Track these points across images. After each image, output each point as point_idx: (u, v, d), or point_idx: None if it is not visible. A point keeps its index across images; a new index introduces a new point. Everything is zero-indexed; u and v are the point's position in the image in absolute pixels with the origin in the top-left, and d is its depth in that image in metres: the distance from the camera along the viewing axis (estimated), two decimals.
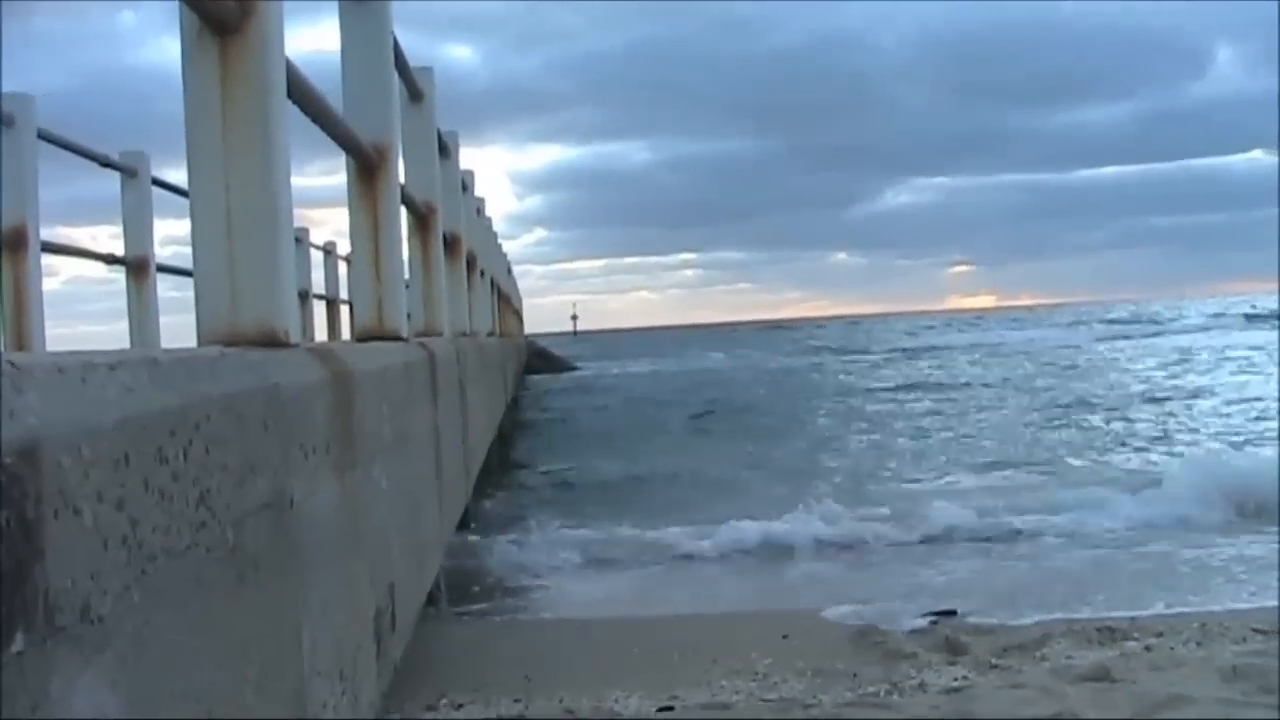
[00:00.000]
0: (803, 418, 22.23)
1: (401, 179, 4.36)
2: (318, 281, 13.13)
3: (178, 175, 6.98)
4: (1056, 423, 19.55)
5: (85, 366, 1.21)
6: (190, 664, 1.42)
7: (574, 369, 43.32)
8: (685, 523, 11.14)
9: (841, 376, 35.48)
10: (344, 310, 13.43)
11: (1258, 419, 18.06)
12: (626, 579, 9.71)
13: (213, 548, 1.51)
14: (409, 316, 4.74)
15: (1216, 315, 71.59)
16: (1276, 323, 47.86)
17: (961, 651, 6.58)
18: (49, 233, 5.87)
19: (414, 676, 5.63)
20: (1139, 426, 18.54)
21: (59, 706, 1.06)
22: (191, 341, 2.37)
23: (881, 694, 5.85)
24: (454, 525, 5.73)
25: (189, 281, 2.72)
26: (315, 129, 3.09)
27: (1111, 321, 72.31)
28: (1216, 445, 15.79)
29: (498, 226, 17.42)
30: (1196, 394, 23.23)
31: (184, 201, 2.36)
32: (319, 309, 13.07)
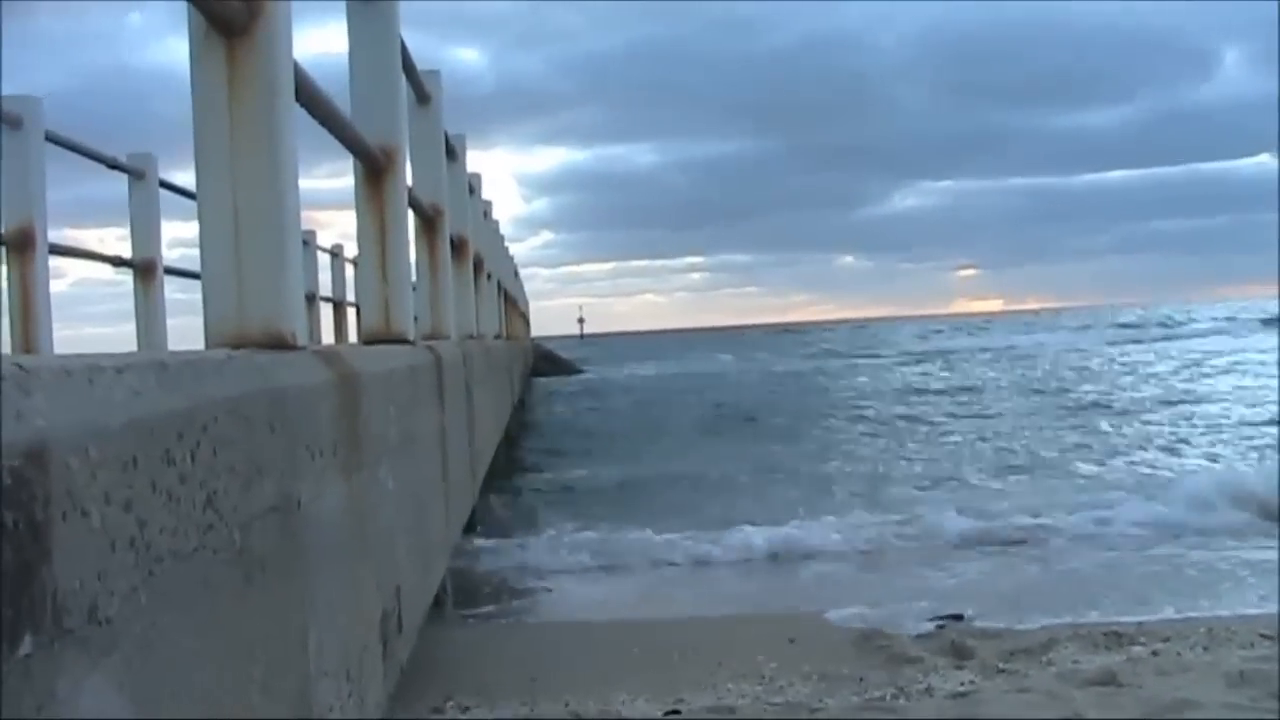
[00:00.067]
0: (813, 421, 22.17)
1: (409, 181, 4.36)
2: (324, 284, 13.15)
3: (184, 177, 6.99)
4: (1070, 426, 19.48)
5: (93, 369, 1.22)
6: (197, 666, 1.42)
7: (580, 372, 43.29)
8: (692, 526, 11.13)
9: (853, 380, 35.36)
10: (351, 313, 13.43)
11: (1275, 424, 17.94)
12: (632, 582, 9.71)
13: (220, 549, 1.51)
14: (416, 319, 4.74)
15: (1228, 319, 71.30)
16: None
17: (968, 656, 6.57)
18: (56, 234, 5.88)
19: (420, 678, 5.63)
20: (1155, 430, 18.48)
21: (65, 708, 1.06)
22: (199, 344, 2.37)
23: (887, 698, 5.84)
24: (460, 527, 5.73)
25: (196, 284, 2.72)
26: (323, 131, 3.10)
27: (1123, 325, 71.93)
28: (1232, 451, 15.75)
29: (505, 229, 17.44)
30: (1214, 399, 23.12)
31: (191, 204, 2.36)
32: (326, 311, 13.09)
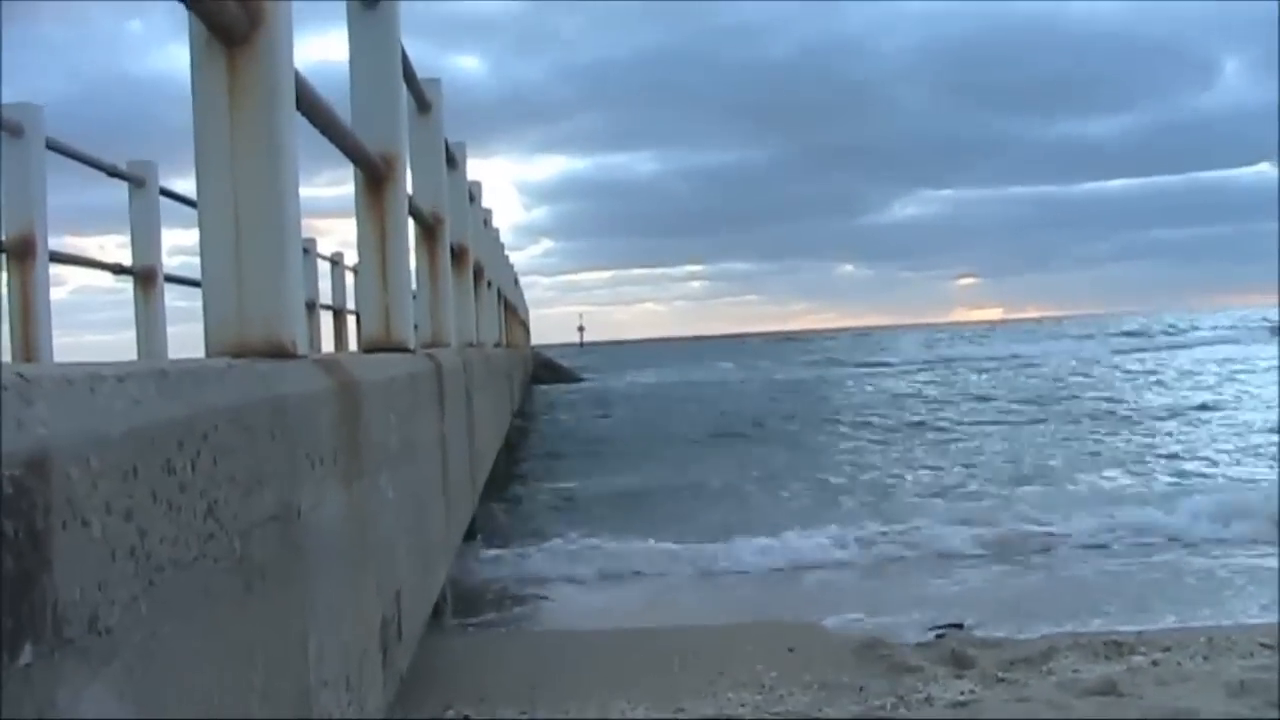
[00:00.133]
0: (816, 429, 22.12)
1: (409, 189, 4.37)
2: (325, 292, 13.15)
3: (185, 185, 7.00)
4: (1076, 434, 19.43)
5: (93, 378, 1.22)
6: (197, 674, 1.42)
7: (581, 380, 43.28)
8: (692, 535, 11.12)
9: (856, 388, 35.27)
10: (351, 320, 13.43)
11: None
12: (632, 590, 9.70)
13: (220, 558, 1.51)
14: (416, 327, 4.74)
15: (1231, 327, 71.16)
16: None
17: (968, 665, 6.56)
18: (56, 242, 5.89)
19: (420, 686, 5.62)
20: (1162, 439, 18.43)
21: (66, 717, 1.06)
22: (199, 351, 2.37)
23: (888, 707, 5.83)
24: (460, 535, 5.73)
25: (196, 291, 2.72)
26: (323, 139, 3.10)
27: (1127, 333, 71.71)
28: (1241, 459, 15.72)
29: (505, 237, 17.46)
30: (1223, 406, 23.06)
31: (192, 211, 2.36)
32: (326, 319, 13.10)
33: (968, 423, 22.41)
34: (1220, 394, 26.12)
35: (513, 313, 18.51)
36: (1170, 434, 19.21)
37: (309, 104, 2.67)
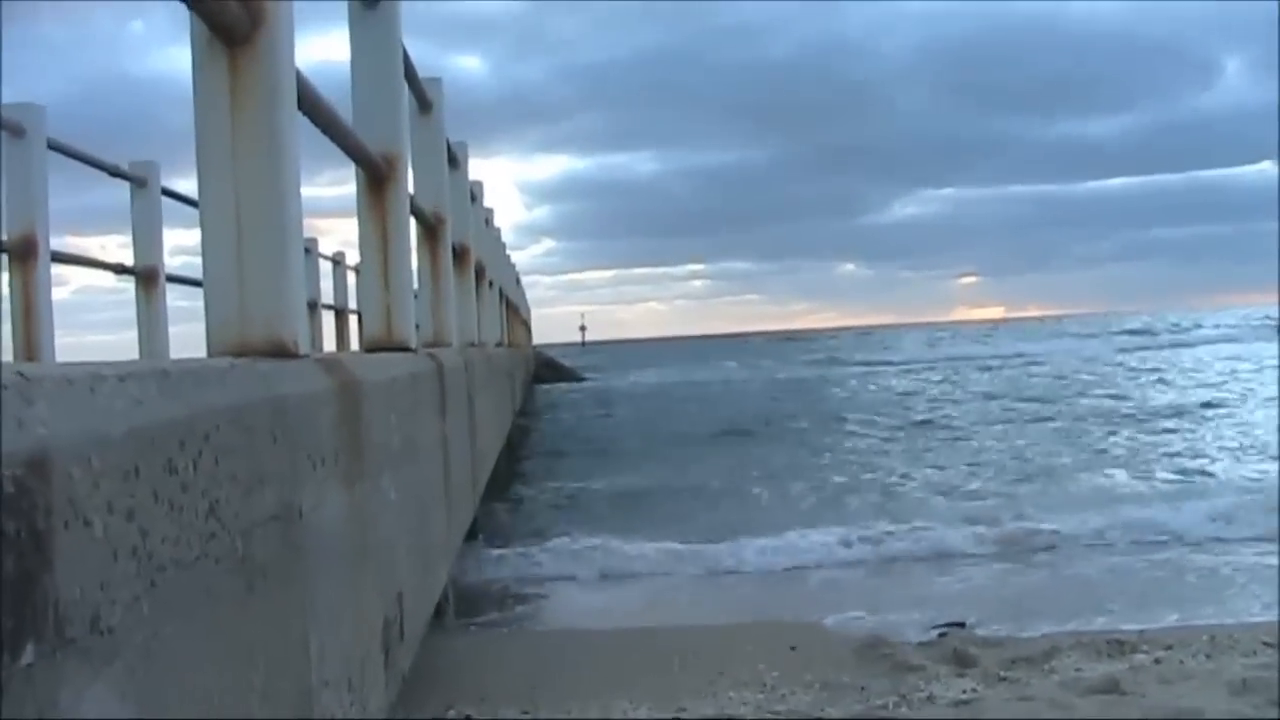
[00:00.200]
0: (819, 429, 22.07)
1: (411, 189, 4.37)
2: (326, 291, 13.16)
3: (186, 185, 7.00)
4: (1083, 433, 19.40)
5: (94, 377, 1.21)
6: (199, 675, 1.42)
7: (583, 379, 43.24)
8: (694, 535, 11.12)
9: (859, 387, 35.19)
10: (353, 320, 13.43)
11: None
12: (634, 590, 9.70)
13: (222, 558, 1.51)
14: (417, 327, 4.74)
15: (1233, 326, 71.02)
16: None
17: (970, 664, 6.56)
18: (58, 242, 5.89)
19: (421, 686, 5.62)
20: (1168, 437, 18.39)
21: (68, 718, 1.06)
22: (201, 351, 2.37)
23: (890, 706, 5.83)
24: (462, 535, 5.73)
25: (198, 291, 2.72)
26: (325, 139, 3.10)
27: (1131, 332, 71.52)
28: (1246, 457, 15.70)
29: (506, 237, 17.46)
30: (1228, 404, 23.00)
31: (193, 211, 2.36)
32: (328, 319, 13.09)
33: (972, 422, 22.37)
34: (1224, 392, 26.05)
35: (514, 312, 18.51)
36: (1175, 432, 19.18)
37: (310, 104, 2.67)
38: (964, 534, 10.85)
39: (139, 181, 6.76)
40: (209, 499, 1.47)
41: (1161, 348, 53.06)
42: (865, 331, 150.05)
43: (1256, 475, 14.03)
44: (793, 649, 7.05)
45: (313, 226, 15.67)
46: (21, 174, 5.48)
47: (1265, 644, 6.57)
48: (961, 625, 7.56)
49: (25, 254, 5.47)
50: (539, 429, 23.78)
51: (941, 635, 7.33)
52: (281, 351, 2.23)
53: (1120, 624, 7.52)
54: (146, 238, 6.88)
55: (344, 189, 4.19)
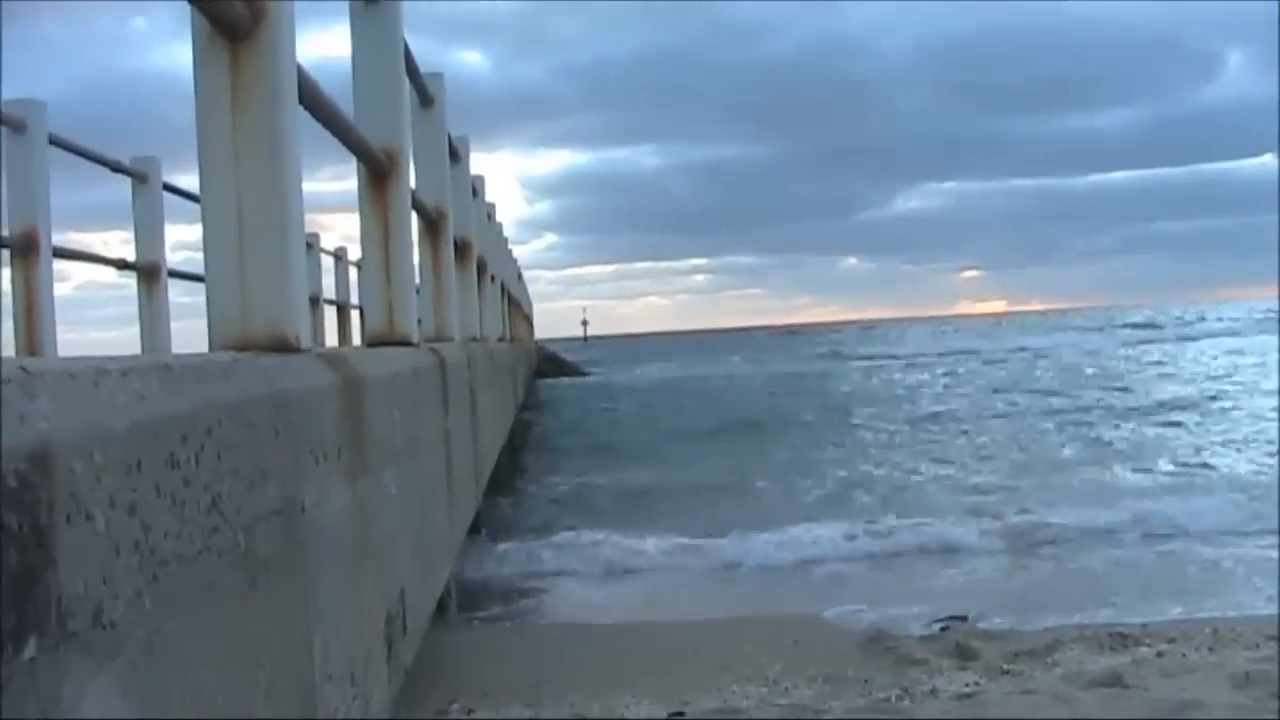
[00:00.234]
0: (823, 424, 21.99)
1: (412, 184, 4.37)
2: (328, 287, 13.16)
3: (188, 180, 7.00)
4: (1088, 426, 19.35)
5: (97, 372, 1.22)
6: (201, 669, 1.42)
7: (585, 374, 43.20)
8: (697, 530, 11.11)
9: (864, 382, 35.11)
10: (355, 315, 13.43)
11: None
12: (637, 585, 9.70)
13: (224, 553, 1.51)
14: (419, 322, 4.74)
15: (1236, 319, 70.89)
16: None
17: (973, 657, 6.56)
18: (60, 238, 5.89)
19: (424, 681, 5.62)
20: (1174, 430, 18.35)
21: (70, 712, 1.06)
22: (203, 347, 2.37)
23: (892, 700, 5.83)
24: (465, 530, 5.73)
25: (200, 287, 2.72)
26: (326, 134, 3.10)
27: (1136, 325, 71.35)
28: (1255, 451, 15.68)
29: (508, 232, 17.45)
30: (1233, 396, 22.94)
31: (195, 207, 2.36)
32: (330, 314, 13.09)
33: (976, 415, 22.34)
34: (1228, 385, 26.02)
35: (516, 307, 18.51)
36: (1180, 425, 19.16)
37: (312, 99, 2.67)
38: (968, 528, 10.85)
39: (140, 177, 6.76)
40: (211, 493, 1.47)
41: (1166, 341, 52.96)
42: (868, 326, 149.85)
43: (1260, 468, 14.03)
44: (795, 643, 7.06)
45: (314, 222, 15.69)
46: (23, 169, 5.48)
47: (1267, 637, 6.57)
48: (964, 619, 7.56)
49: (27, 249, 5.47)
50: (542, 424, 23.77)
51: (944, 629, 7.34)
52: (283, 346, 2.23)
53: (1123, 617, 7.52)
54: (148, 233, 6.88)
55: (346, 184, 4.19)
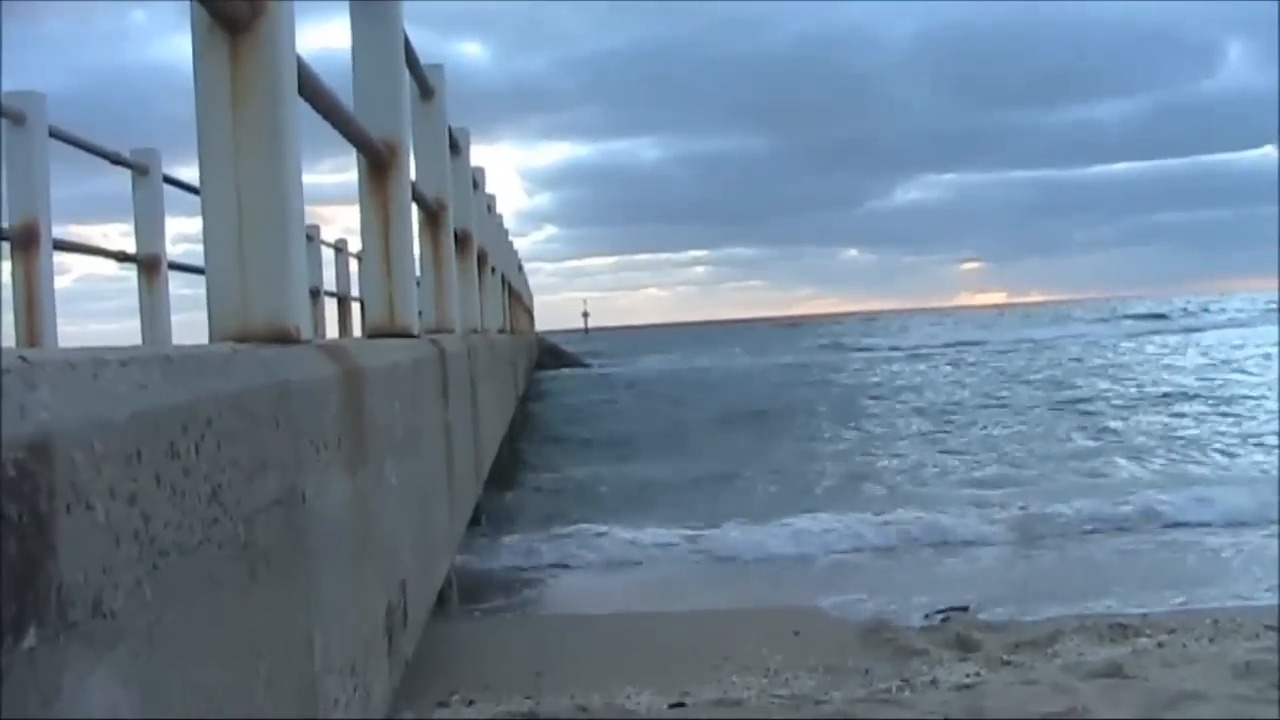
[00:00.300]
0: (831, 417, 21.94)
1: (412, 176, 4.37)
2: (329, 279, 13.16)
3: (188, 173, 6.99)
4: (1091, 418, 19.32)
5: (97, 362, 1.22)
6: (201, 660, 1.43)
7: (586, 366, 43.13)
8: (699, 521, 11.12)
9: (871, 372, 34.98)
10: (355, 307, 13.44)
11: None
12: (637, 576, 9.71)
13: (224, 544, 1.52)
14: (420, 313, 4.74)
15: (1239, 310, 70.76)
16: None
17: (973, 648, 6.57)
18: (60, 230, 5.88)
19: (425, 673, 5.63)
20: (1181, 422, 18.32)
21: (70, 701, 1.06)
22: (203, 339, 2.37)
23: (893, 690, 5.84)
24: (465, 522, 5.74)
25: (200, 279, 2.73)
26: (326, 126, 3.10)
27: (1140, 316, 71.15)
28: (1258, 443, 15.67)
29: (508, 224, 17.44)
30: (1239, 387, 22.90)
31: (195, 199, 2.36)
32: (330, 306, 13.10)
33: (980, 406, 22.30)
34: (1236, 376, 25.96)
35: (517, 299, 18.51)
36: (1186, 415, 19.14)
37: (312, 91, 2.67)
38: (971, 519, 10.86)
39: (140, 169, 6.76)
40: (211, 484, 1.47)
41: (1172, 332, 52.84)
42: (869, 317, 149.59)
43: (1266, 459, 14.04)
44: (796, 634, 7.07)
45: (315, 214, 15.67)
46: (23, 162, 5.48)
47: (1268, 627, 6.58)
48: (964, 609, 7.57)
49: (27, 242, 5.47)
50: (543, 416, 23.77)
51: (944, 619, 7.35)
52: (284, 338, 2.23)
53: (1123, 608, 7.53)
54: (148, 225, 6.87)
55: (346, 176, 4.19)
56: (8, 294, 5.42)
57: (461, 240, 6.61)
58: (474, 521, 7.37)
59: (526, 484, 14.73)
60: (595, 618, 8.25)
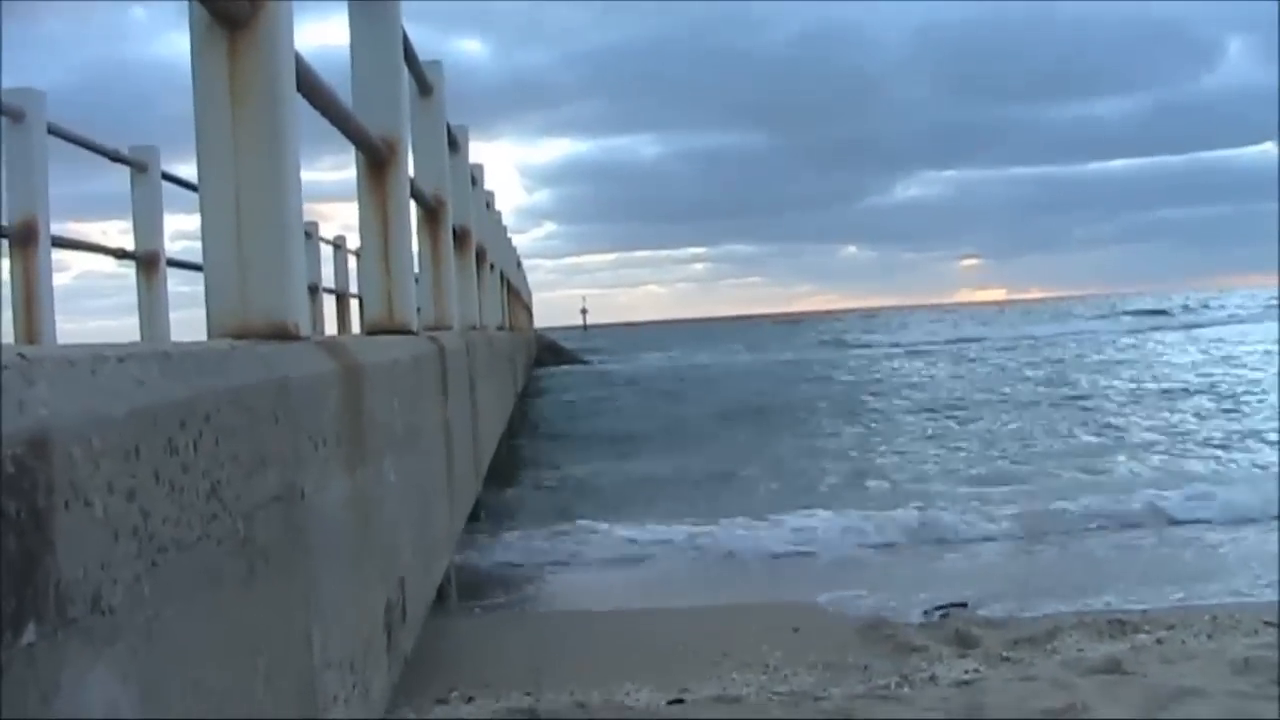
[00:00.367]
0: (833, 413, 21.87)
1: (411, 173, 4.36)
2: (327, 276, 13.16)
3: (187, 170, 6.99)
4: (1093, 414, 19.31)
5: (95, 359, 1.22)
6: (201, 656, 1.43)
7: (586, 363, 43.07)
8: (699, 518, 11.13)
9: (874, 369, 34.91)
10: (354, 304, 13.44)
11: None
12: (637, 573, 9.71)
13: (223, 540, 1.52)
14: (419, 310, 4.74)
15: (1240, 306, 70.69)
16: None
17: (972, 644, 6.58)
18: (59, 227, 5.88)
19: (424, 669, 5.63)
20: (1184, 419, 18.30)
21: (69, 697, 1.06)
22: (202, 336, 2.37)
23: (892, 686, 5.84)
24: (464, 519, 5.74)
25: (199, 276, 2.73)
26: (325, 123, 3.10)
27: (1144, 312, 71.02)
28: (1259, 438, 15.67)
29: (507, 220, 17.44)
30: (1243, 386, 22.87)
31: (194, 196, 2.36)
32: (329, 303, 13.10)
33: (982, 403, 22.27)
34: (1239, 372, 25.92)
35: (516, 296, 18.50)
36: (1188, 412, 19.12)
37: (310, 87, 2.67)
38: (970, 515, 10.86)
39: (139, 166, 6.75)
40: (210, 480, 1.47)
41: (1174, 328, 52.77)
42: (869, 314, 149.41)
43: (1265, 455, 14.04)
44: (795, 630, 7.07)
45: (314, 211, 15.69)
46: (22, 159, 5.47)
47: (1267, 623, 6.59)
48: (964, 606, 7.58)
49: (26, 239, 5.46)
50: (542, 412, 23.76)
51: (944, 616, 7.35)
52: (283, 335, 2.23)
53: (1123, 604, 7.54)
54: (147, 222, 6.87)
55: (345, 173, 4.19)
56: (7, 291, 5.41)
57: (460, 237, 6.61)
58: (473, 518, 7.38)
59: (526, 481, 14.73)
60: (594, 614, 8.26)
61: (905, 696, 5.68)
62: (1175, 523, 10.48)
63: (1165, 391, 22.47)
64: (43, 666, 1.01)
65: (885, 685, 5.88)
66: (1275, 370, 23.94)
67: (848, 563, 9.71)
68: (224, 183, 2.22)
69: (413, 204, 4.41)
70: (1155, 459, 14.65)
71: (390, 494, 2.95)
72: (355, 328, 12.67)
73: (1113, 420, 18.54)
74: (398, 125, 4.02)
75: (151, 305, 6.82)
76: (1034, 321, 69.42)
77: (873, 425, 19.74)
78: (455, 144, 6.53)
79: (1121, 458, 14.75)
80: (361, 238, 4.05)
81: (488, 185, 10.59)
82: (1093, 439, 16.64)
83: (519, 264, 22.49)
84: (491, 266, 10.07)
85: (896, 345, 51.10)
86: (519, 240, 32.47)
